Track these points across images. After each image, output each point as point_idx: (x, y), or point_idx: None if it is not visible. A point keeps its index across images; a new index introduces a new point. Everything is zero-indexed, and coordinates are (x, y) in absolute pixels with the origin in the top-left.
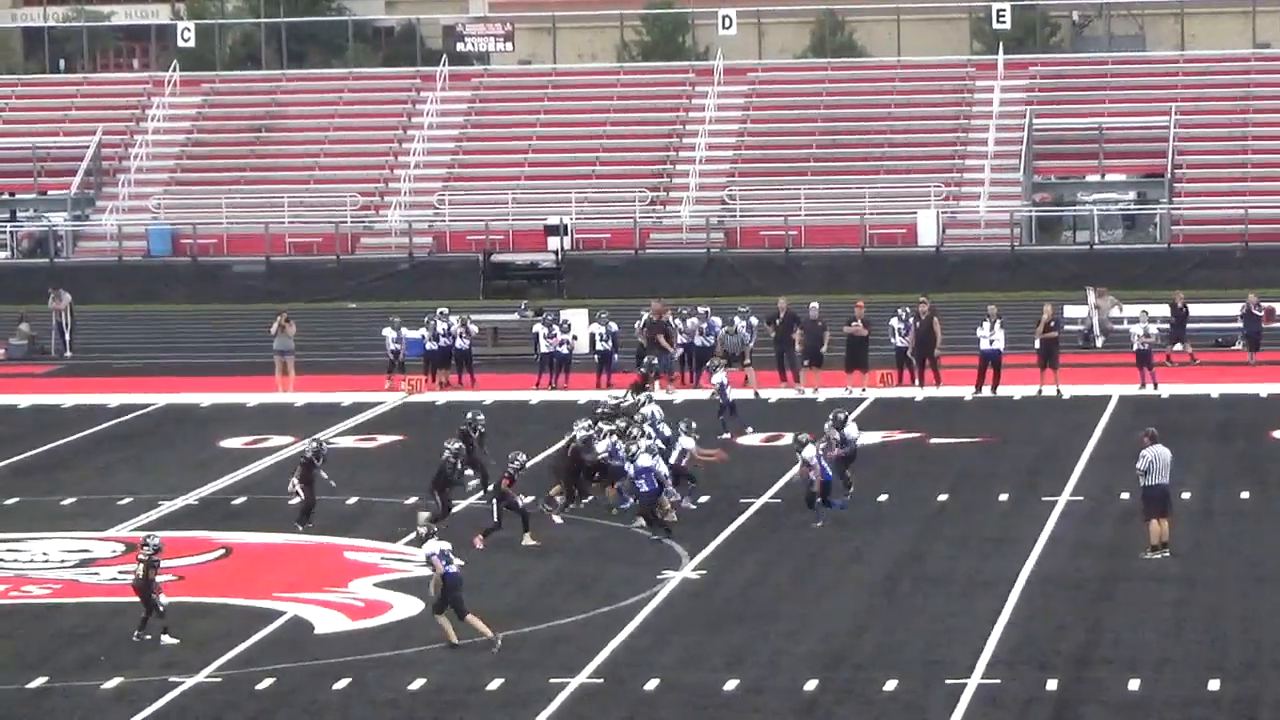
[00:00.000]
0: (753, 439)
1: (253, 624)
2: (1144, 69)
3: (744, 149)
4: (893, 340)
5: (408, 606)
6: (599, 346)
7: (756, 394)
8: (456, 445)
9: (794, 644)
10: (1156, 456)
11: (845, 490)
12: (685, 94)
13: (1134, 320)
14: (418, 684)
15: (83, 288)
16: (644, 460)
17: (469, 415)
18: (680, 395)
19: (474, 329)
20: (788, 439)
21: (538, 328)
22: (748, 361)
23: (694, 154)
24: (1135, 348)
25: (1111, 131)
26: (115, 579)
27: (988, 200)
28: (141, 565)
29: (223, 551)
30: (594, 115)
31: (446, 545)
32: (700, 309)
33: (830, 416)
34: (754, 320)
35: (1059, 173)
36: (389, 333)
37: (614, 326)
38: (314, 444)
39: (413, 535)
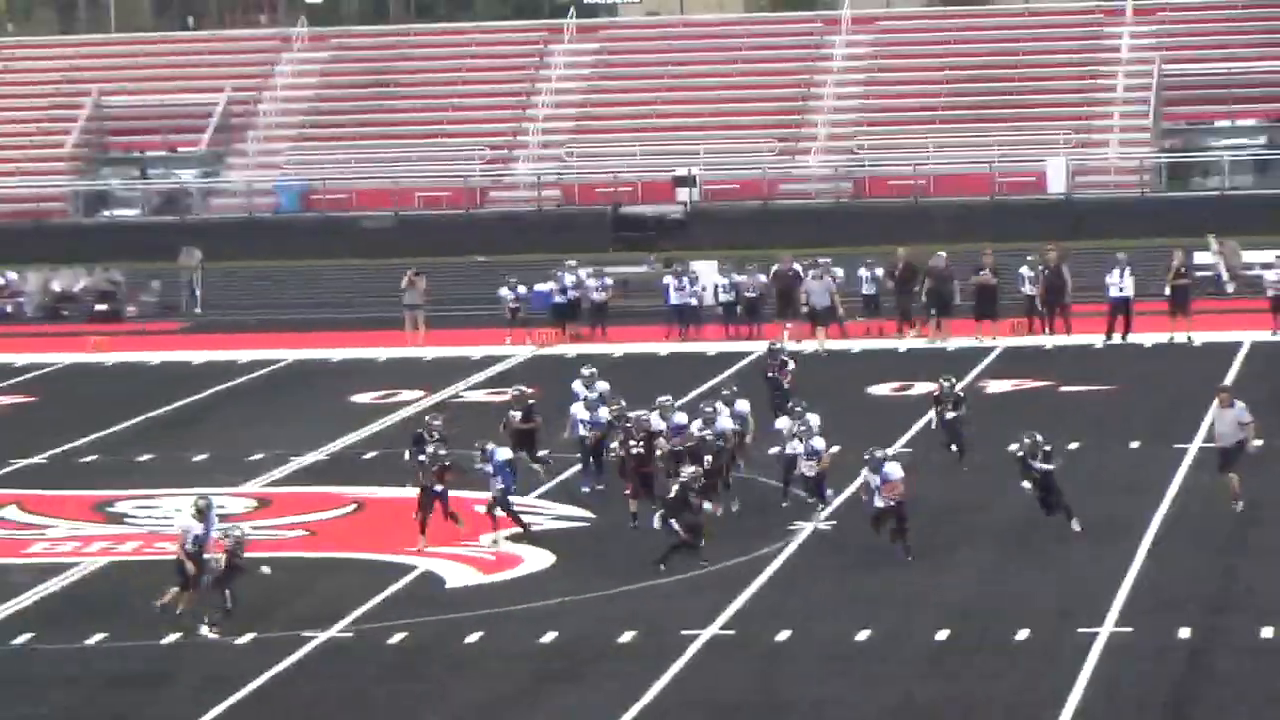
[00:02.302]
0: (883, 389)
1: (384, 579)
2: (1274, 11)
3: (872, 98)
4: (1021, 289)
5: (539, 560)
6: (722, 298)
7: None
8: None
9: (925, 594)
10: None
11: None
12: (813, 43)
13: (1267, 266)
14: (549, 637)
15: (213, 244)
16: (502, 455)
17: (426, 418)
18: (812, 346)
19: (609, 280)
20: (918, 388)
21: (667, 279)
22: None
23: (822, 104)
24: (1269, 294)
25: (1241, 76)
26: (248, 534)
27: (1117, 147)
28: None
29: (354, 506)
30: (722, 66)
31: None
32: (821, 259)
33: (867, 455)
34: (879, 272)
35: (1189, 118)
36: (505, 292)
37: (737, 277)
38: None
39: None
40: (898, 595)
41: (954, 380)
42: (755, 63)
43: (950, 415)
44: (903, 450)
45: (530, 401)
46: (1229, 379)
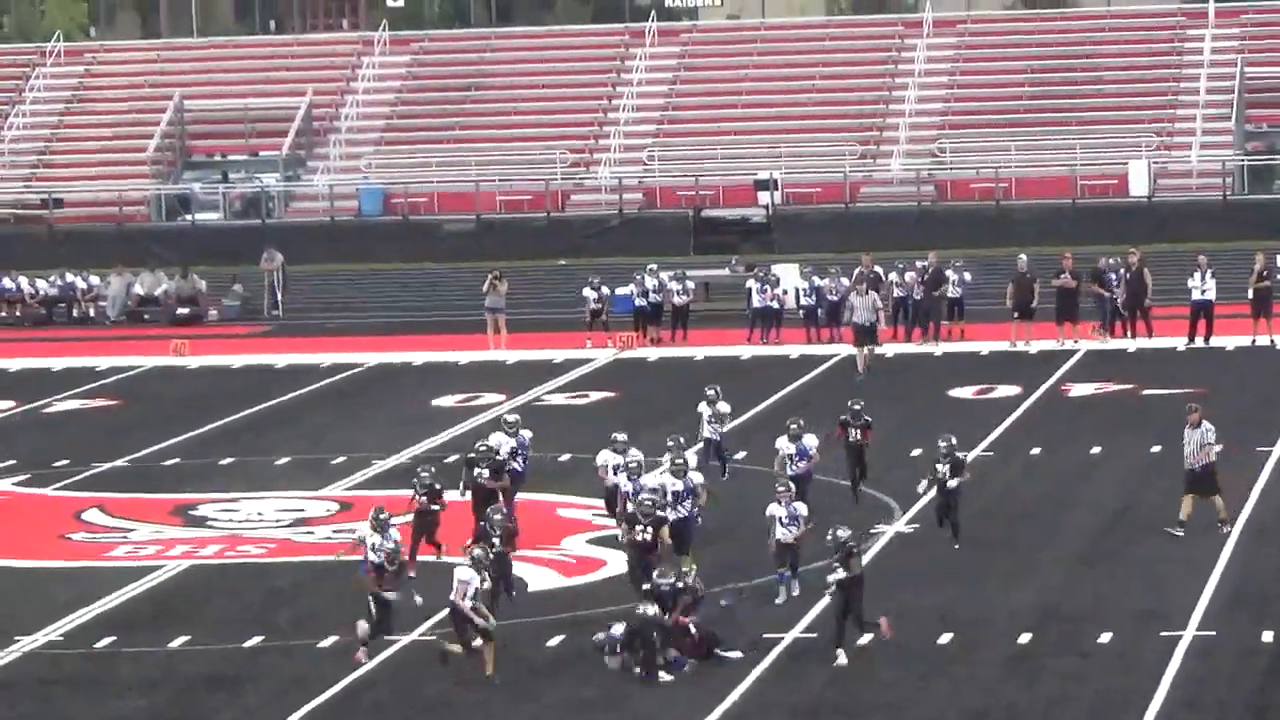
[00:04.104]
0: (964, 391)
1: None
2: None
3: (954, 101)
4: (1102, 292)
5: (620, 563)
6: (803, 302)
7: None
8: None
9: (1007, 597)
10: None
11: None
12: (894, 46)
13: None
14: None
15: (294, 248)
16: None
17: (420, 472)
18: (892, 349)
19: (691, 284)
20: (998, 392)
21: (749, 283)
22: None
23: (904, 106)
24: None
25: None
26: (329, 538)
27: (1199, 150)
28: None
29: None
30: (803, 69)
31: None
32: (919, 263)
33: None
34: (968, 276)
35: (1271, 120)
36: (589, 292)
37: (818, 281)
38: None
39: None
40: (979, 598)
41: (953, 440)
42: (836, 66)
43: (952, 483)
44: (984, 454)
45: (499, 458)
46: None
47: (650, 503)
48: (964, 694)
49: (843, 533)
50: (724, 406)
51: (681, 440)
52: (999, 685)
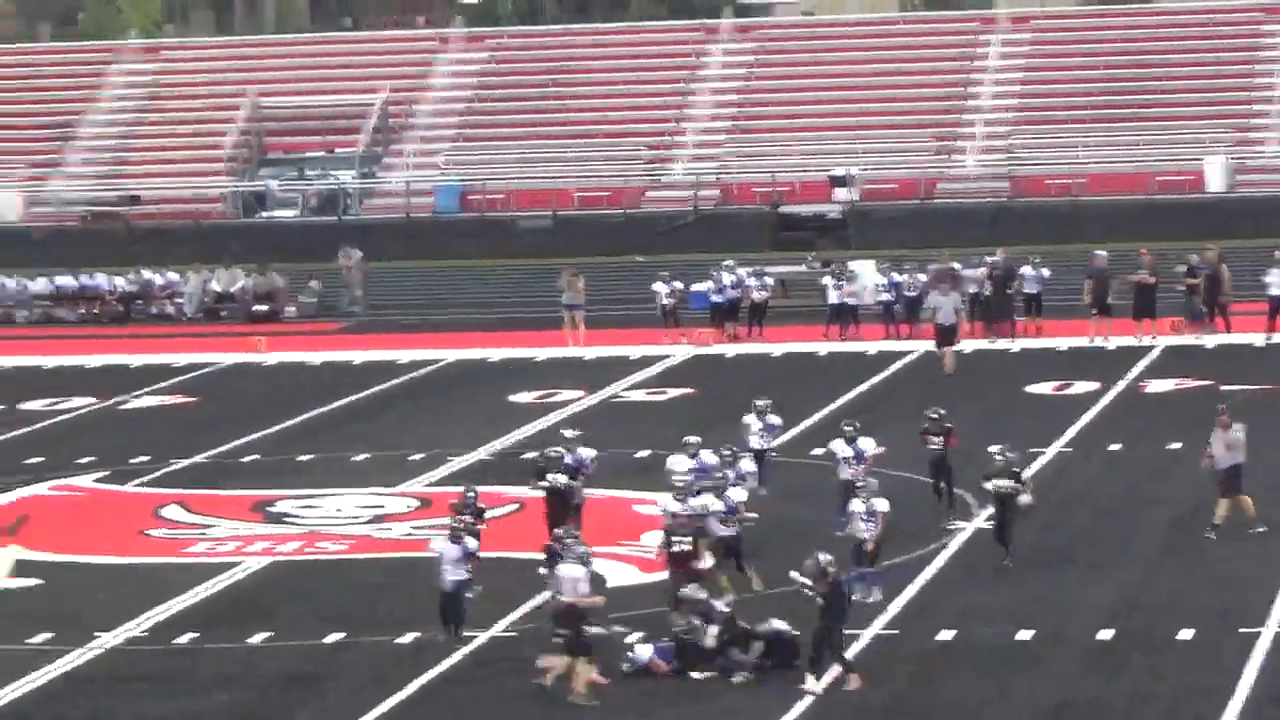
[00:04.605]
0: (1042, 388)
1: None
2: None
3: (1028, 97)
4: (1180, 288)
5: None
6: (881, 297)
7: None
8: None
9: (1087, 593)
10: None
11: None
12: (968, 42)
13: None
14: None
15: (371, 245)
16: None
17: (464, 491)
18: (970, 346)
19: (769, 280)
20: (1076, 388)
21: (826, 279)
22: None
23: (978, 102)
24: None
25: None
26: (409, 534)
27: (1275, 145)
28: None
29: (515, 506)
30: (878, 65)
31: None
32: (988, 258)
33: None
34: (1045, 272)
35: None
36: (659, 287)
37: (896, 277)
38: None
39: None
40: (1059, 594)
41: (1006, 451)
42: (911, 62)
43: (1023, 500)
44: (1062, 450)
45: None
46: None
47: (682, 519)
48: (1043, 690)
49: (824, 557)
50: (774, 419)
51: (735, 450)
52: (1079, 681)
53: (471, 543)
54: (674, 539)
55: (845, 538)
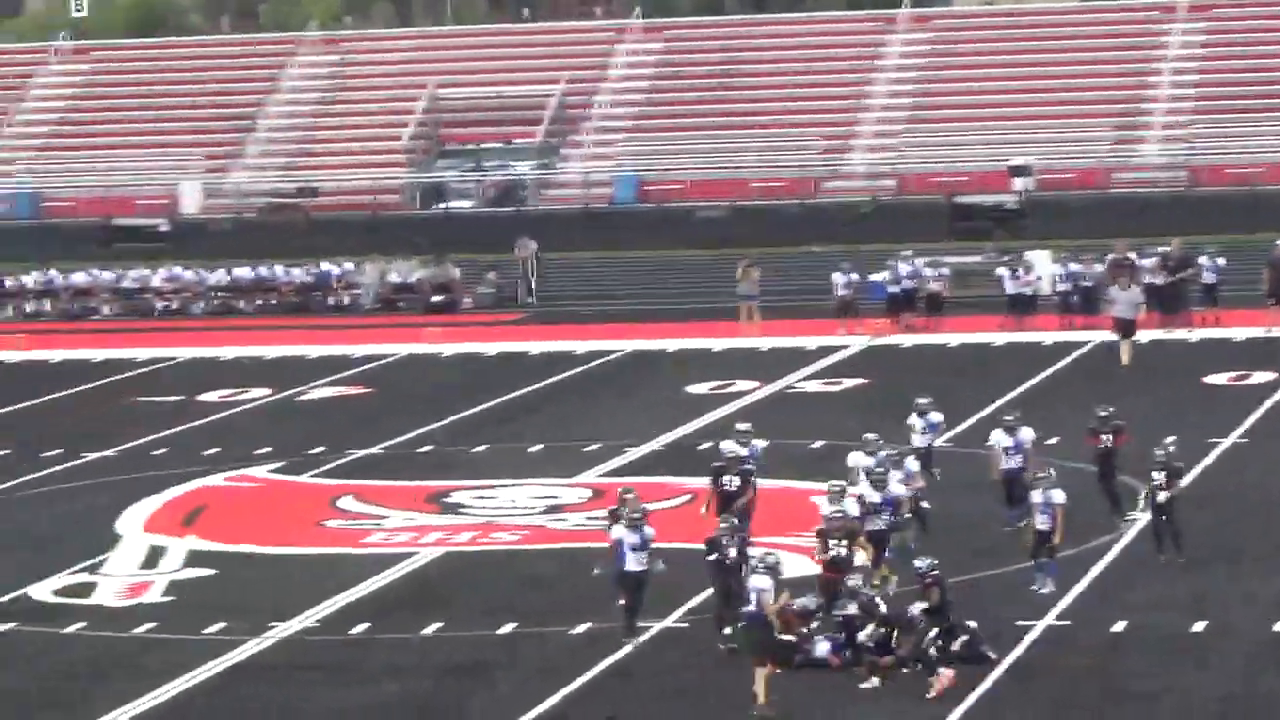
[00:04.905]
0: (1219, 378)
1: None
2: None
3: (1207, 85)
4: None
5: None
6: (1059, 287)
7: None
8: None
9: (1262, 584)
10: None
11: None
12: (1148, 30)
13: None
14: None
15: (548, 235)
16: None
17: (621, 494)
18: (1146, 335)
19: (946, 271)
20: (1254, 379)
21: (1000, 269)
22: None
23: (1158, 91)
24: None
25: None
26: (582, 525)
27: None
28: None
29: (688, 497)
30: (1056, 54)
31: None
32: (1159, 249)
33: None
34: (1221, 261)
35: None
36: (838, 277)
37: (1074, 267)
38: None
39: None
40: (1233, 586)
41: (1170, 448)
42: (1090, 51)
43: (1162, 496)
44: (1239, 440)
45: (747, 466)
46: None
47: (836, 519)
48: (1219, 682)
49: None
50: (936, 416)
51: (887, 450)
52: (1255, 673)
53: (650, 530)
54: (830, 542)
55: (1013, 533)
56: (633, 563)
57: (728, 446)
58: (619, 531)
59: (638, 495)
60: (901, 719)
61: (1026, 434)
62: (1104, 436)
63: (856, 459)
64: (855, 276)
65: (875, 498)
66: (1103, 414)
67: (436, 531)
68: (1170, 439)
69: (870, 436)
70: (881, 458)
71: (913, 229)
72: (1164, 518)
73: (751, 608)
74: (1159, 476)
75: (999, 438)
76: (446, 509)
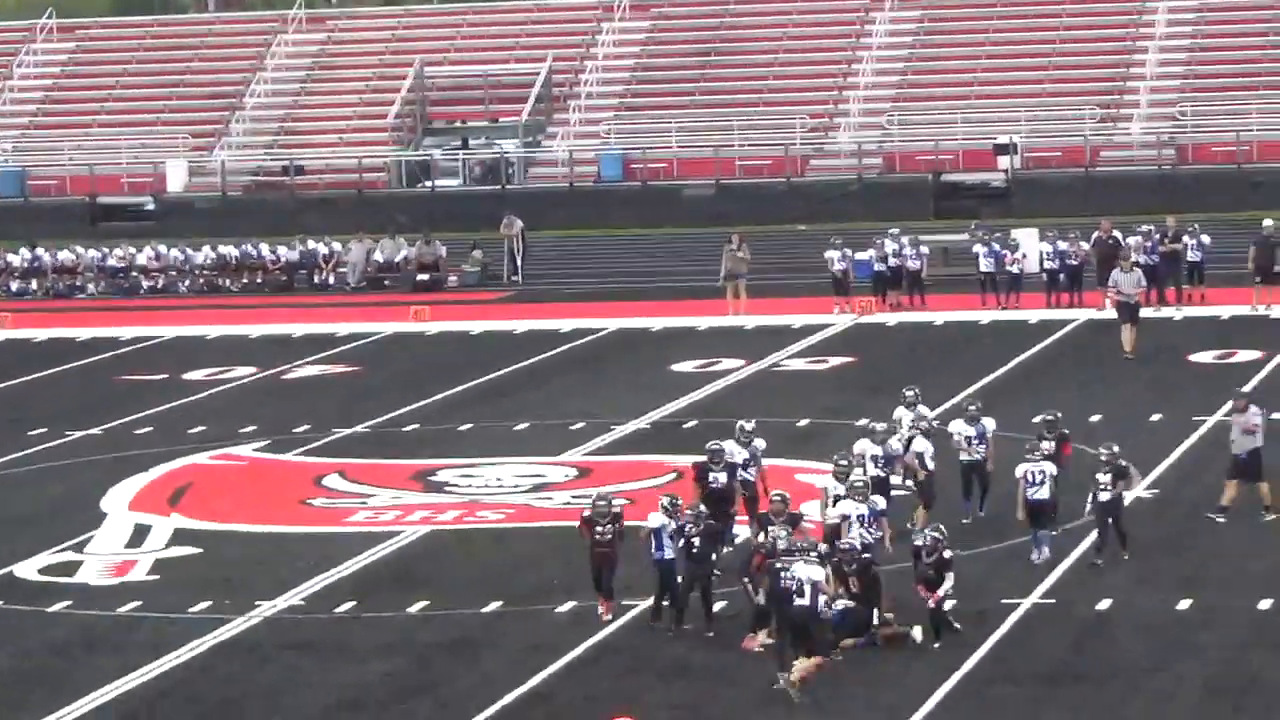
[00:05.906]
0: (1205, 356)
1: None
2: None
3: (1195, 64)
4: None
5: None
6: (1045, 265)
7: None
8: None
9: (1248, 563)
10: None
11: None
12: (1135, 9)
13: None
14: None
15: (534, 213)
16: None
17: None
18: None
19: (925, 250)
20: (1239, 357)
21: (976, 247)
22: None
23: (1144, 70)
24: None
25: None
26: (568, 504)
27: None
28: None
29: (675, 475)
30: (1043, 32)
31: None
32: (1145, 226)
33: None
34: (1205, 239)
35: None
36: (832, 254)
37: (1061, 245)
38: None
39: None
40: (1219, 565)
41: (1115, 448)
42: (1076, 29)
43: (1105, 496)
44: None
45: (734, 460)
46: None
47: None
48: (1205, 661)
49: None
50: (925, 409)
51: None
52: (1241, 651)
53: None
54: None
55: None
56: (672, 551)
57: (730, 447)
58: (657, 519)
59: (609, 500)
60: (888, 688)
61: (989, 424)
62: (1045, 444)
63: (864, 446)
64: (850, 252)
65: (861, 510)
66: (1049, 419)
67: (422, 510)
68: (1115, 446)
69: (878, 427)
70: (890, 444)
71: (899, 207)
72: (1109, 519)
73: (804, 601)
74: (1104, 478)
75: (960, 427)
76: (431, 487)
